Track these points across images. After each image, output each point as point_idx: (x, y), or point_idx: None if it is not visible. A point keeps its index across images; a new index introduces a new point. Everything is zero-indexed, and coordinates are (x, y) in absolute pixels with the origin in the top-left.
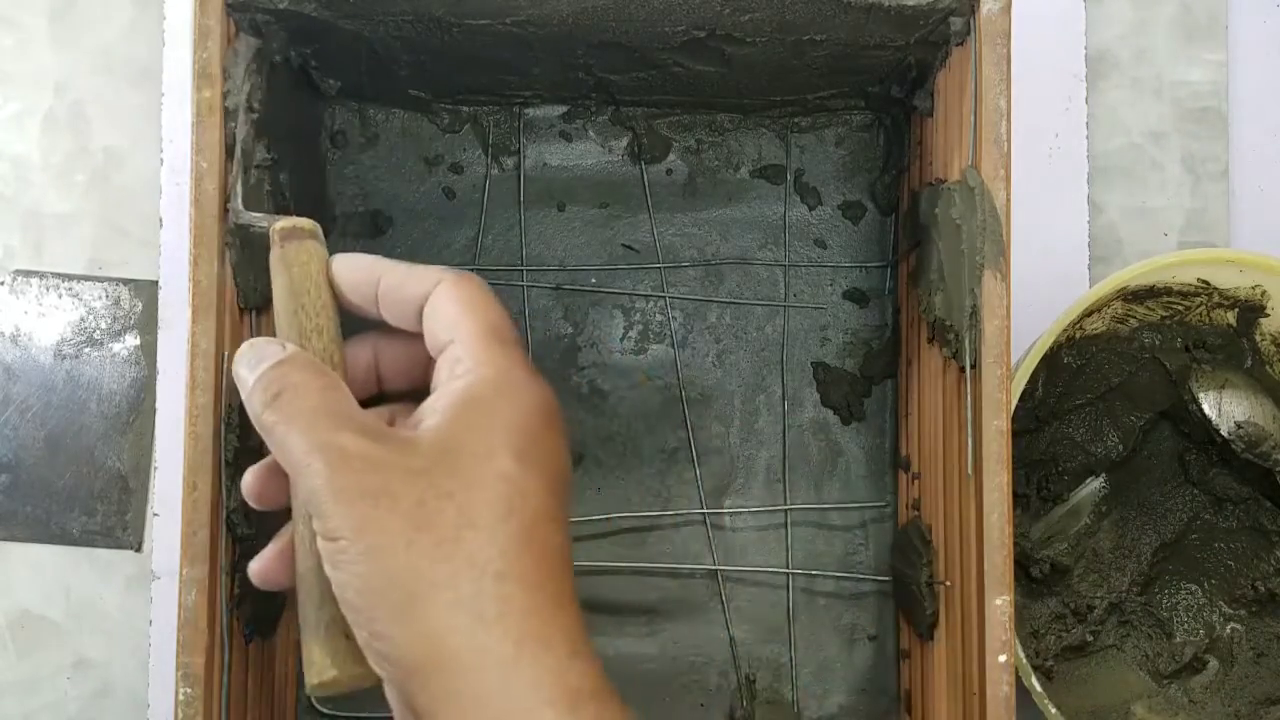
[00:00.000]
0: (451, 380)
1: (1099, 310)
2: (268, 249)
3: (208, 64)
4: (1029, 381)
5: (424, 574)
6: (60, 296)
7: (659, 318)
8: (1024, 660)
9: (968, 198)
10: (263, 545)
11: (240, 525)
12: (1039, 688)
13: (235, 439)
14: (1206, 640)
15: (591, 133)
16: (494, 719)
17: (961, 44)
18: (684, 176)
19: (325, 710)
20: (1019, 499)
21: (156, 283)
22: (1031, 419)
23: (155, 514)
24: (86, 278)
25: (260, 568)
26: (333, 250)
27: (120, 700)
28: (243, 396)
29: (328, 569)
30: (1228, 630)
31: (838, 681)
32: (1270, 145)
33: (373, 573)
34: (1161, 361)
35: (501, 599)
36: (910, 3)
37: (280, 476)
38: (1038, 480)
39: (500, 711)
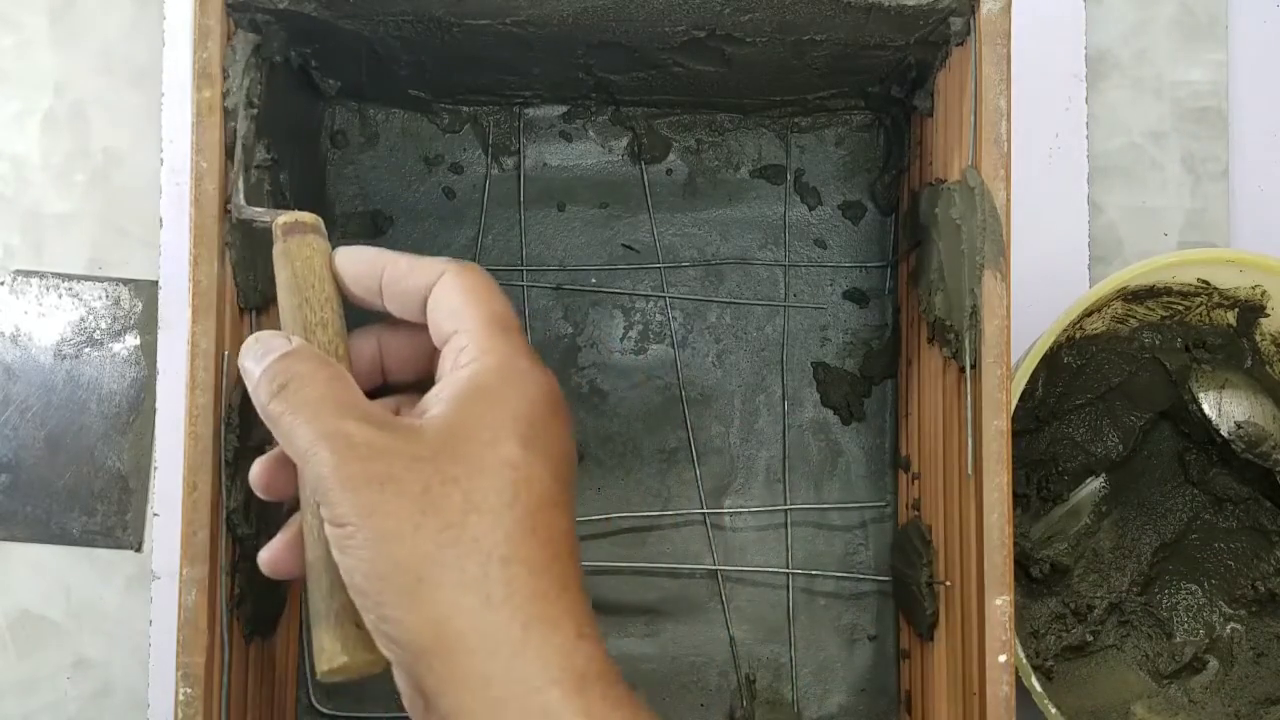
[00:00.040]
0: (456, 369)
1: (1099, 310)
2: (270, 244)
3: (208, 64)
4: (1029, 381)
5: (431, 557)
6: (60, 296)
7: (659, 318)
8: (1024, 660)
9: (968, 198)
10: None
11: (240, 525)
12: (1039, 688)
13: (235, 439)
14: (1206, 640)
15: (591, 133)
16: (501, 699)
17: (961, 44)
18: (684, 176)
19: (325, 710)
20: (1019, 499)
21: (156, 283)
22: (1031, 419)
23: (155, 514)
24: (86, 278)
25: (270, 557)
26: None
27: (120, 700)
28: (249, 389)
29: (336, 554)
30: (1228, 630)
31: (838, 681)
32: (1270, 145)
33: (380, 557)
34: (1161, 361)
35: (508, 582)
36: (910, 3)
37: (288, 467)
38: (1038, 480)
39: (507, 692)
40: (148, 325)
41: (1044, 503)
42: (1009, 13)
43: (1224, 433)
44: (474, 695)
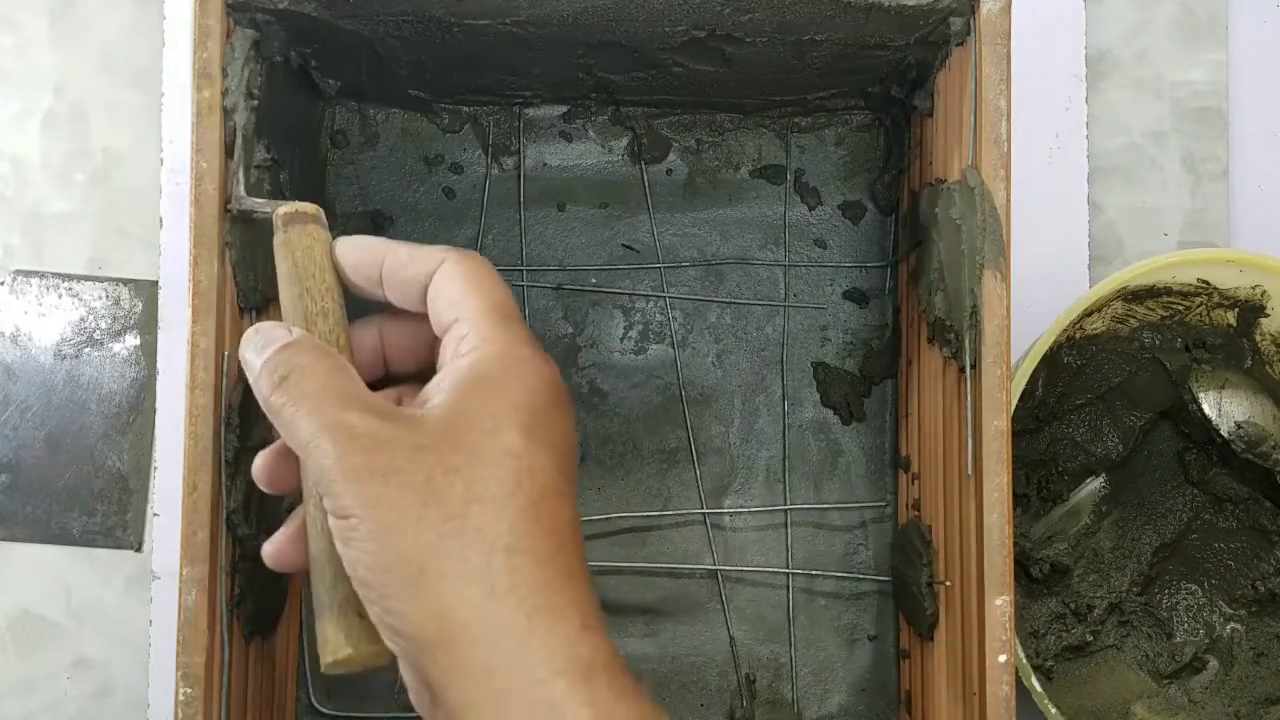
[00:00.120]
0: (457, 358)
1: (1099, 310)
2: (270, 236)
3: (208, 64)
4: (1029, 381)
5: (434, 548)
6: (60, 296)
7: (659, 318)
8: (1024, 660)
9: (968, 198)
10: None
11: (240, 525)
12: (1039, 688)
13: (235, 439)
14: (1206, 640)
15: (591, 133)
16: (506, 691)
17: (961, 44)
18: (684, 176)
19: (325, 710)
20: (1019, 499)
21: (156, 283)
22: (1031, 419)
23: (155, 514)
24: (86, 278)
25: (273, 549)
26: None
27: (120, 700)
28: (250, 380)
29: (339, 546)
30: (1228, 630)
31: (838, 681)
32: (1270, 145)
33: (383, 549)
34: (1161, 361)
35: (511, 572)
36: (910, 3)
37: (290, 460)
38: (1038, 480)
39: (513, 683)
40: (148, 325)
41: (1044, 503)
42: (1009, 13)
43: (1224, 433)
44: (478, 687)
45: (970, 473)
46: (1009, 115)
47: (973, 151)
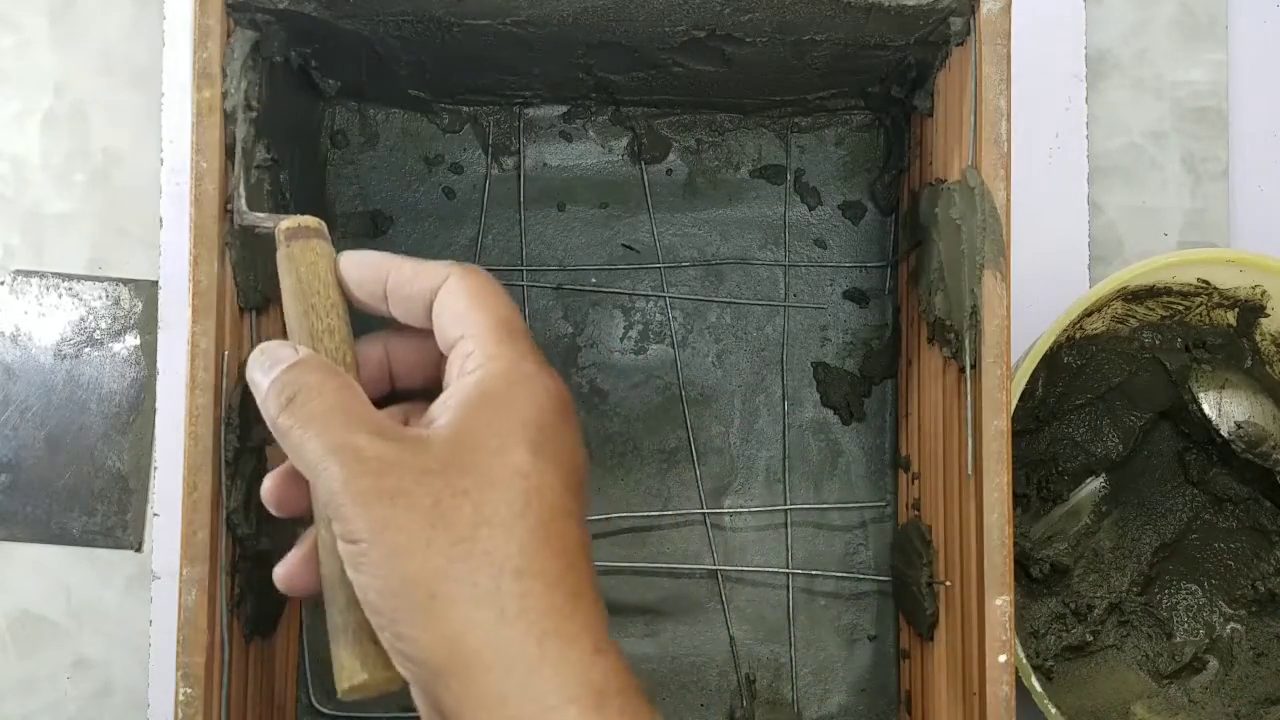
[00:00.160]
0: (462, 375)
1: (1099, 310)
2: (273, 249)
3: (208, 64)
4: (1029, 381)
5: (443, 572)
6: (60, 296)
7: (659, 318)
8: (1024, 660)
9: (968, 198)
10: (264, 545)
11: (240, 525)
12: (1039, 688)
13: (235, 439)
14: (1206, 640)
15: (591, 133)
16: (519, 718)
17: (961, 44)
18: (684, 176)
19: (325, 710)
20: (1019, 499)
21: (156, 283)
22: (1031, 419)
23: (155, 514)
24: (86, 278)
25: (285, 573)
26: (338, 249)
27: (120, 700)
28: (258, 401)
29: (349, 571)
30: (1228, 630)
31: (838, 681)
32: (1270, 145)
33: (392, 573)
34: (1161, 361)
35: (521, 596)
36: (910, 3)
37: (299, 482)
38: (1038, 480)
39: (525, 710)
40: (148, 325)
41: (1044, 503)
42: (1009, 13)
43: (1224, 433)
44: (490, 714)
45: (970, 473)
46: (1009, 115)
47: (973, 151)
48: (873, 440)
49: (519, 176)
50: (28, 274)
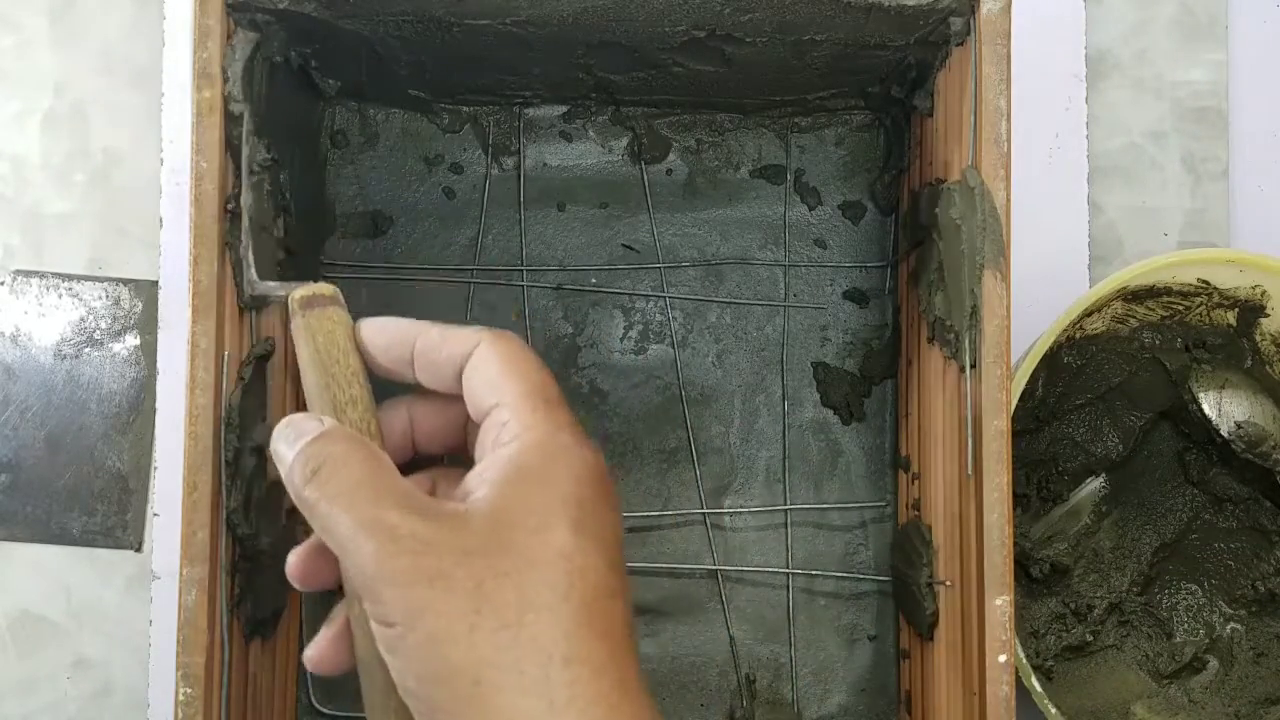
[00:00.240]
0: (498, 447)
1: (1099, 310)
2: (287, 320)
3: (208, 64)
4: (1029, 381)
5: (489, 660)
6: (60, 296)
7: (659, 318)
8: (1024, 660)
9: (968, 198)
10: (264, 545)
11: (240, 525)
12: (1039, 688)
13: (235, 439)
14: (1206, 640)
15: (591, 133)
16: None
17: (961, 44)
18: (684, 176)
19: (325, 710)
20: (1019, 499)
21: (156, 283)
22: (1031, 419)
23: (155, 514)
24: (86, 278)
25: (316, 655)
26: (339, 255)
27: (120, 700)
28: (282, 474)
29: (385, 655)
30: (1228, 630)
31: (838, 681)
32: (1270, 145)
33: (433, 658)
34: (1161, 361)
35: (570, 684)
36: (910, 3)
37: (327, 556)
38: (1038, 480)
39: None
40: (148, 325)
41: (1044, 503)
42: (1009, 13)
43: (1224, 433)
44: None
45: (970, 473)
46: (1009, 115)
47: (973, 151)
48: (873, 440)
49: (519, 176)
50: (28, 274)
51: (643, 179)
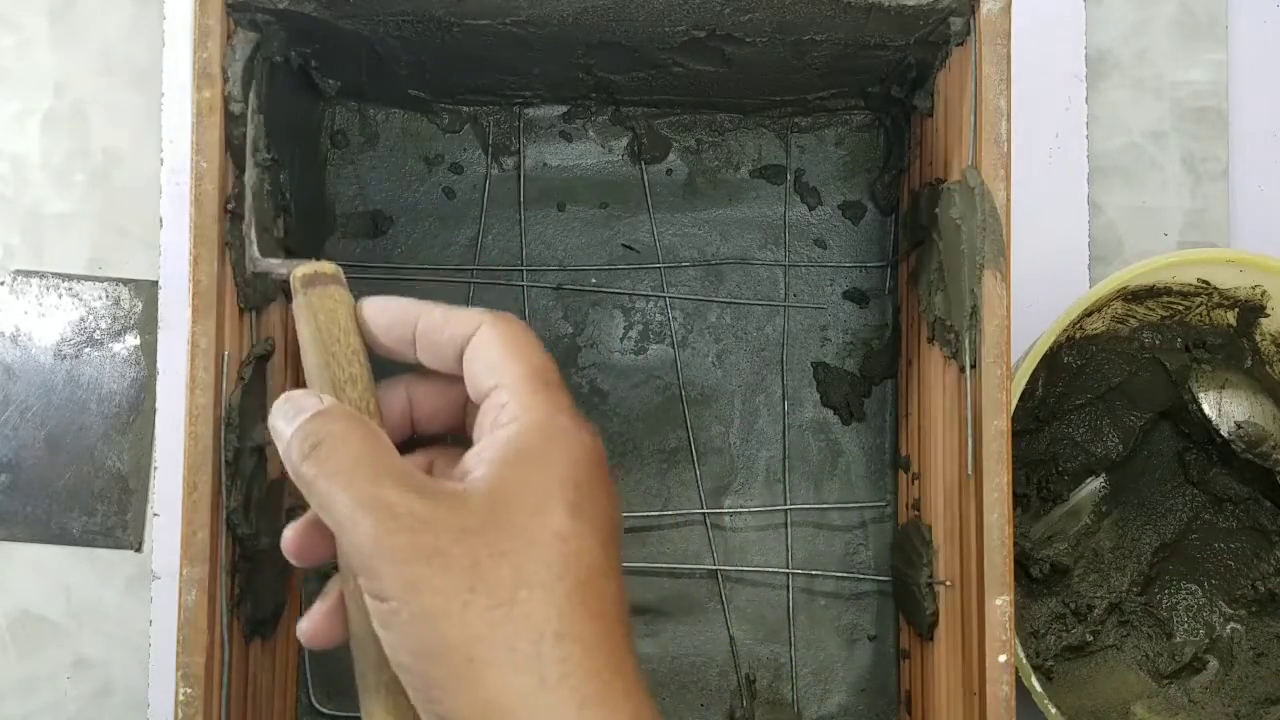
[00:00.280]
0: (496, 428)
1: (1099, 310)
2: (288, 296)
3: (208, 64)
4: (1029, 381)
5: (482, 637)
6: (60, 296)
7: (659, 318)
8: (1024, 660)
9: (968, 198)
10: (264, 545)
11: (240, 525)
12: (1039, 688)
13: (235, 439)
14: (1206, 640)
15: (591, 133)
16: None
17: (961, 44)
18: (684, 176)
19: (325, 710)
20: (1019, 499)
21: (156, 283)
22: (1031, 419)
23: (155, 514)
24: (86, 278)
25: (309, 627)
26: (339, 254)
27: (120, 700)
28: (280, 451)
29: (379, 630)
30: (1228, 630)
31: (838, 681)
32: (1270, 145)
33: (427, 635)
34: (1161, 361)
35: (561, 661)
36: (910, 3)
37: (322, 532)
38: (1038, 480)
39: None
40: (148, 325)
41: (1044, 503)
42: (1009, 13)
43: (1224, 433)
44: None
45: (970, 473)
46: (1009, 115)
47: (973, 151)
48: (873, 440)
49: (519, 176)
50: (28, 274)
51: (643, 179)
